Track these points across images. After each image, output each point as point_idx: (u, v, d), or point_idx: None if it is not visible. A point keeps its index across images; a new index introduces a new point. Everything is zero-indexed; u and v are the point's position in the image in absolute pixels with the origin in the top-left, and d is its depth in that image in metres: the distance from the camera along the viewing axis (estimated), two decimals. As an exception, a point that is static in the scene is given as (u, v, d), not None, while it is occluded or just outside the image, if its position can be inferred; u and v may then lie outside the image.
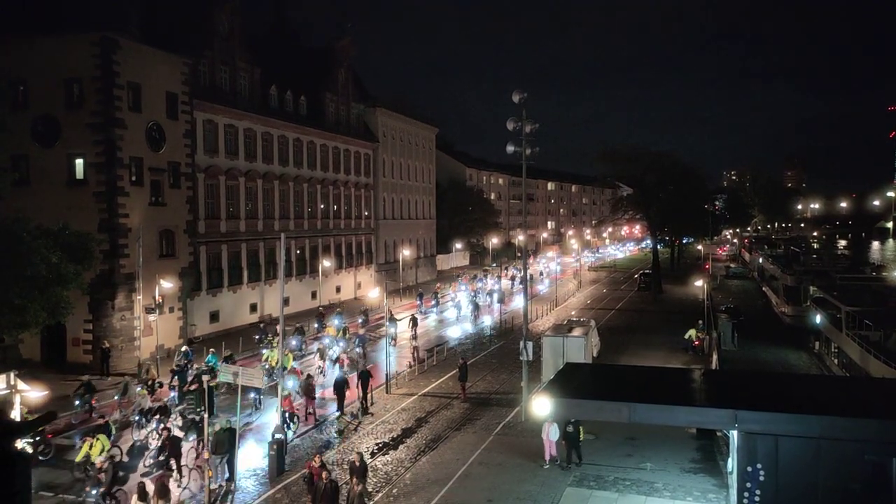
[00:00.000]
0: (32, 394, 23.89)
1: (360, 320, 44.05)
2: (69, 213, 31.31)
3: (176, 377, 28.28)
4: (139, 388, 26.37)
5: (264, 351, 33.27)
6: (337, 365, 31.04)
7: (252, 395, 26.79)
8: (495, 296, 53.50)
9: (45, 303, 26.30)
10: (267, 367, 28.60)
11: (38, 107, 33.29)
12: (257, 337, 37.90)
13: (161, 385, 28.02)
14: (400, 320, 42.25)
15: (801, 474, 14.75)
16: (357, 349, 35.79)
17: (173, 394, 27.18)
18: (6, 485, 5.91)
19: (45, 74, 33.05)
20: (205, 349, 33.34)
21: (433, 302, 54.13)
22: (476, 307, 49.81)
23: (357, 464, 18.09)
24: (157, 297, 34.22)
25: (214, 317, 43.04)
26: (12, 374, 23.46)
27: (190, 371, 29.49)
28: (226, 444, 19.79)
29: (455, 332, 44.46)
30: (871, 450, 14.36)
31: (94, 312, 33.55)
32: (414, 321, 40.96)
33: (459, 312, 50.34)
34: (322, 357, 32.80)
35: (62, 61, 33.05)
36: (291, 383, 26.97)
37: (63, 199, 32.73)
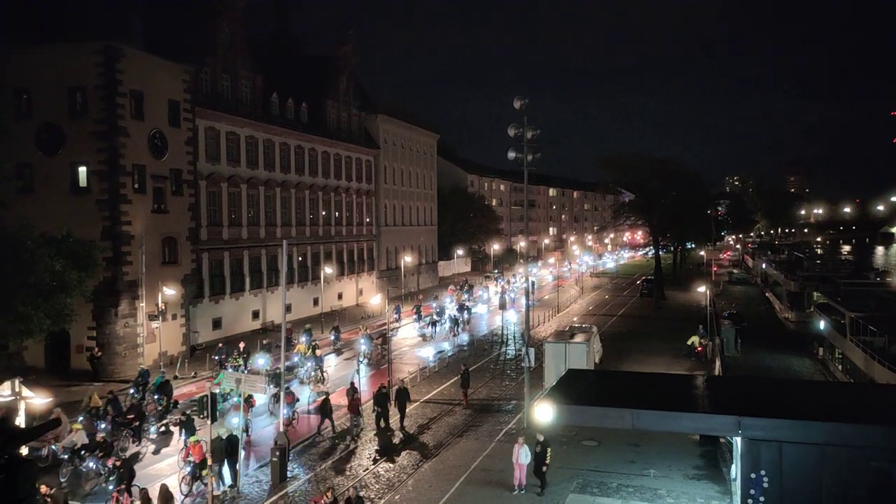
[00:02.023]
0: (37, 401, 23.89)
1: (332, 337, 41.01)
2: (72, 220, 31.37)
3: (110, 405, 24.70)
4: (80, 419, 23.53)
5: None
6: (283, 402, 23.95)
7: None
8: (475, 307, 51.14)
9: (48, 310, 26.38)
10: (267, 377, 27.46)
11: (41, 115, 33.44)
12: (216, 358, 33.38)
13: (106, 414, 24.27)
14: (373, 338, 38.21)
15: (805, 481, 14.70)
16: (312, 373, 32.81)
17: (104, 425, 23.50)
18: (11, 490, 5.93)
19: (49, 83, 33.20)
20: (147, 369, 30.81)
21: (415, 315, 49.13)
22: (455, 322, 45.88)
23: (353, 502, 16.71)
24: (159, 304, 34.32)
25: (217, 324, 43.08)
26: (17, 381, 23.47)
27: (137, 394, 27.33)
28: (223, 453, 19.75)
29: (427, 353, 38.84)
30: (876, 456, 14.31)
31: (98, 319, 33.58)
32: (383, 338, 36.98)
33: (434, 329, 45.19)
34: (275, 384, 27.23)
35: (65, 70, 33.20)
36: (237, 420, 22.49)
37: (66, 207, 32.81)
